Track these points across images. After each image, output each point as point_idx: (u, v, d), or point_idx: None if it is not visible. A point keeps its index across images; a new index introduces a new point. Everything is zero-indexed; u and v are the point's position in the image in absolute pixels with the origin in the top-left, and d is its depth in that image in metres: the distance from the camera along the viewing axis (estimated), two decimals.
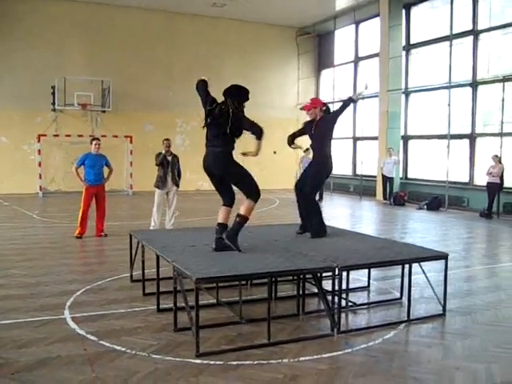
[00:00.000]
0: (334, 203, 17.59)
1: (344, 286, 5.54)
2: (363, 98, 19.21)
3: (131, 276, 6.99)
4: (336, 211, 15.63)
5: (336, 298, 5.20)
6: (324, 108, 6.83)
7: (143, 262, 6.34)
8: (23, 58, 19.12)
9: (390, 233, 11.86)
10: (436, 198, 16.63)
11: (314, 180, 6.86)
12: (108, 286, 6.82)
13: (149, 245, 5.98)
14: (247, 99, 5.72)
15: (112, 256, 8.82)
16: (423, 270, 5.87)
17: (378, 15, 19.60)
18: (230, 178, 5.81)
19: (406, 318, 5.56)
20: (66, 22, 19.66)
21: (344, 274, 5.37)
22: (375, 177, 19.52)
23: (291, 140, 7.00)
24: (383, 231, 12.15)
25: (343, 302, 5.64)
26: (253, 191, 5.71)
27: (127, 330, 5.15)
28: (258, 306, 5.87)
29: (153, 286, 6.09)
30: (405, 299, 6.23)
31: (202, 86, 5.93)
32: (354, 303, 6.09)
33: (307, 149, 19.90)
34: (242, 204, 5.74)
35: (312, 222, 6.75)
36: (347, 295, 5.97)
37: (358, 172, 21.24)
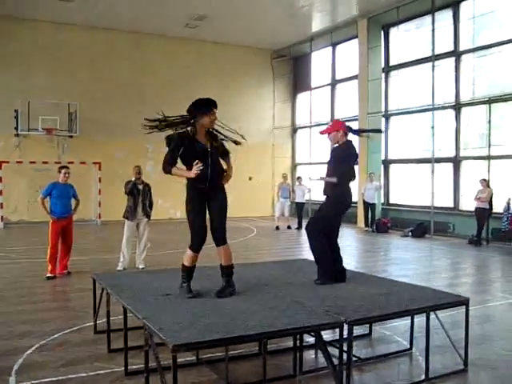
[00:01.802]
0: None
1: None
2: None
3: (95, 326, 5.96)
4: None
5: (339, 355, 4.29)
6: (348, 132, 5.86)
7: (108, 312, 5.34)
8: None
9: (377, 265, 11.00)
10: (421, 225, 15.95)
11: (324, 217, 5.81)
12: (67, 339, 5.77)
13: (115, 294, 4.98)
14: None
15: (74, 299, 7.74)
16: (438, 318, 4.99)
17: (355, 37, 19.10)
18: None
19: (423, 377, 4.68)
20: (29, 42, 18.61)
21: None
22: (356, 203, 18.75)
23: None
24: (370, 263, 11.28)
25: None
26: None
27: None
28: (246, 363, 4.94)
29: (120, 339, 5.08)
30: (415, 350, 5.38)
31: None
32: (359, 358, 5.16)
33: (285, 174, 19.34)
34: None
35: (318, 265, 5.69)
36: (351, 349, 5.06)
37: None
